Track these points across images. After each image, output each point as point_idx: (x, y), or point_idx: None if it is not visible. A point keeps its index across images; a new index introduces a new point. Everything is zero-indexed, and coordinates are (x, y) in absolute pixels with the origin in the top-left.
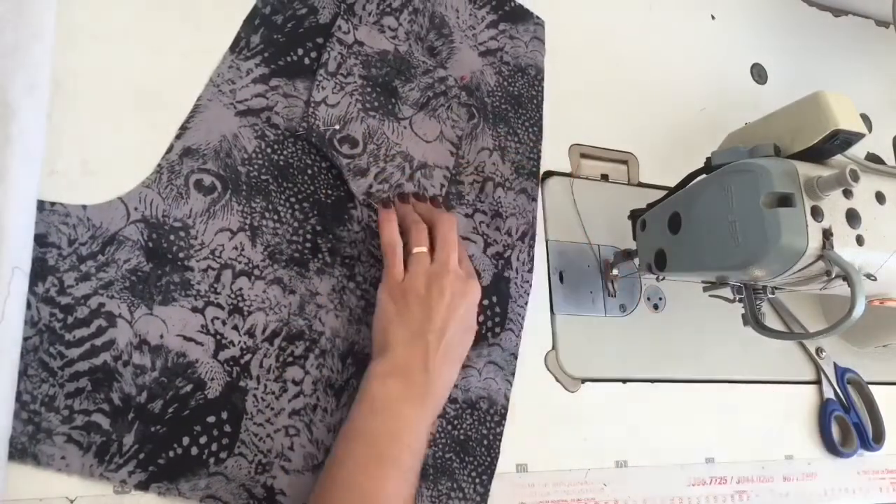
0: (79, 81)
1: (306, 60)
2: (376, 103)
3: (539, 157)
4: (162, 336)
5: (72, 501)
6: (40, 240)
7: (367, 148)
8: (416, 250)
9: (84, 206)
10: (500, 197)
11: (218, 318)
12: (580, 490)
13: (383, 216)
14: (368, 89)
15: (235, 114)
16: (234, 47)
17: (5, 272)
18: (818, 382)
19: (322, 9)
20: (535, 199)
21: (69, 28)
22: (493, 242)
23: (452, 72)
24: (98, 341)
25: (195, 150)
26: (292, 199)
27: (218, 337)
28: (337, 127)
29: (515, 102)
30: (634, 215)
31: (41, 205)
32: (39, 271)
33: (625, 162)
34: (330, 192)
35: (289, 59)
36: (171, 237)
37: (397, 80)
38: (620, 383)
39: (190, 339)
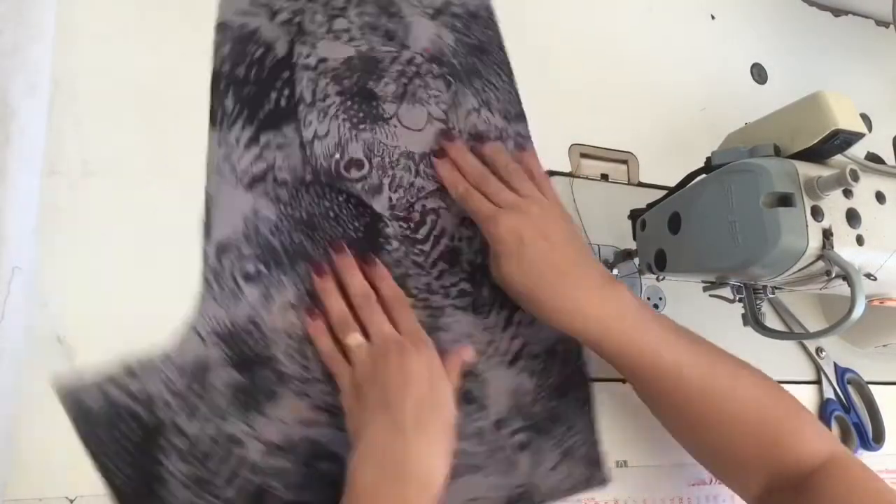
0: (79, 81)
1: (282, 102)
2: (361, 114)
3: (517, 95)
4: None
5: (72, 501)
6: (148, 405)
7: (372, 163)
8: (350, 342)
9: (167, 355)
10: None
11: (325, 392)
12: None
13: (309, 330)
14: (349, 103)
15: (245, 189)
16: (214, 121)
17: (5, 272)
18: (818, 382)
19: (276, 41)
20: (530, 140)
21: (69, 28)
22: None
23: (414, 48)
24: (232, 462)
25: (227, 244)
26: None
27: (332, 411)
28: (338, 156)
29: (479, 51)
30: (634, 215)
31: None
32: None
33: (625, 162)
34: (357, 224)
35: (267, 108)
36: (249, 342)
37: (370, 80)
38: (620, 383)
39: (311, 424)
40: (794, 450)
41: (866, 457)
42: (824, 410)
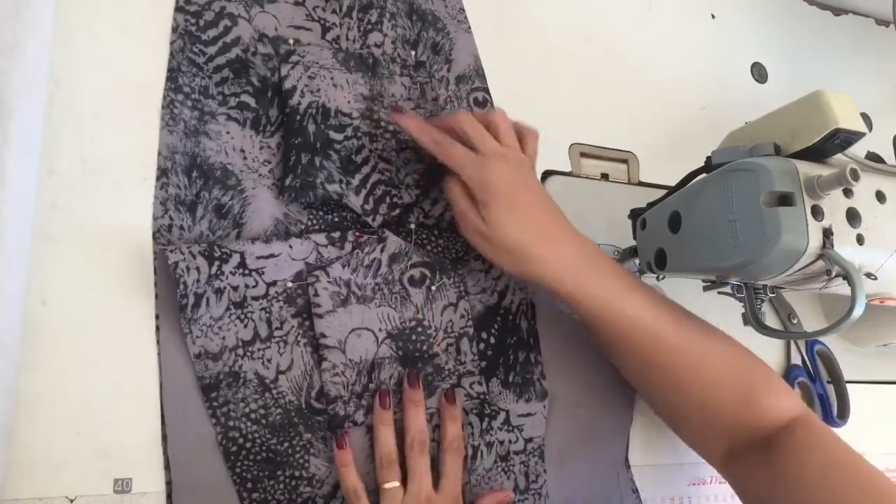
0: (78, 80)
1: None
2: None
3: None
4: (276, 29)
5: (72, 501)
6: None
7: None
8: (386, 486)
9: None
10: None
11: (318, 7)
12: None
13: (339, 460)
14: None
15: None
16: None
17: (3, 270)
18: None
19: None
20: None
21: (68, 26)
22: None
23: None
24: (227, 38)
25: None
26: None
27: (322, 22)
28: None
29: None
30: (635, 214)
31: None
32: None
33: (625, 161)
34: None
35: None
36: None
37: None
38: None
39: (300, 28)
40: (765, 408)
41: None
42: (789, 375)
